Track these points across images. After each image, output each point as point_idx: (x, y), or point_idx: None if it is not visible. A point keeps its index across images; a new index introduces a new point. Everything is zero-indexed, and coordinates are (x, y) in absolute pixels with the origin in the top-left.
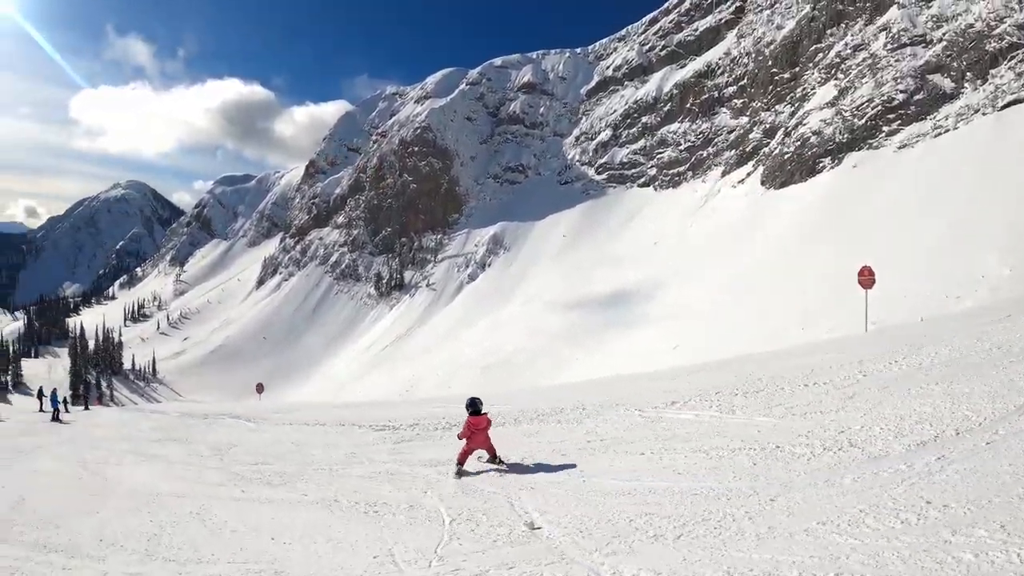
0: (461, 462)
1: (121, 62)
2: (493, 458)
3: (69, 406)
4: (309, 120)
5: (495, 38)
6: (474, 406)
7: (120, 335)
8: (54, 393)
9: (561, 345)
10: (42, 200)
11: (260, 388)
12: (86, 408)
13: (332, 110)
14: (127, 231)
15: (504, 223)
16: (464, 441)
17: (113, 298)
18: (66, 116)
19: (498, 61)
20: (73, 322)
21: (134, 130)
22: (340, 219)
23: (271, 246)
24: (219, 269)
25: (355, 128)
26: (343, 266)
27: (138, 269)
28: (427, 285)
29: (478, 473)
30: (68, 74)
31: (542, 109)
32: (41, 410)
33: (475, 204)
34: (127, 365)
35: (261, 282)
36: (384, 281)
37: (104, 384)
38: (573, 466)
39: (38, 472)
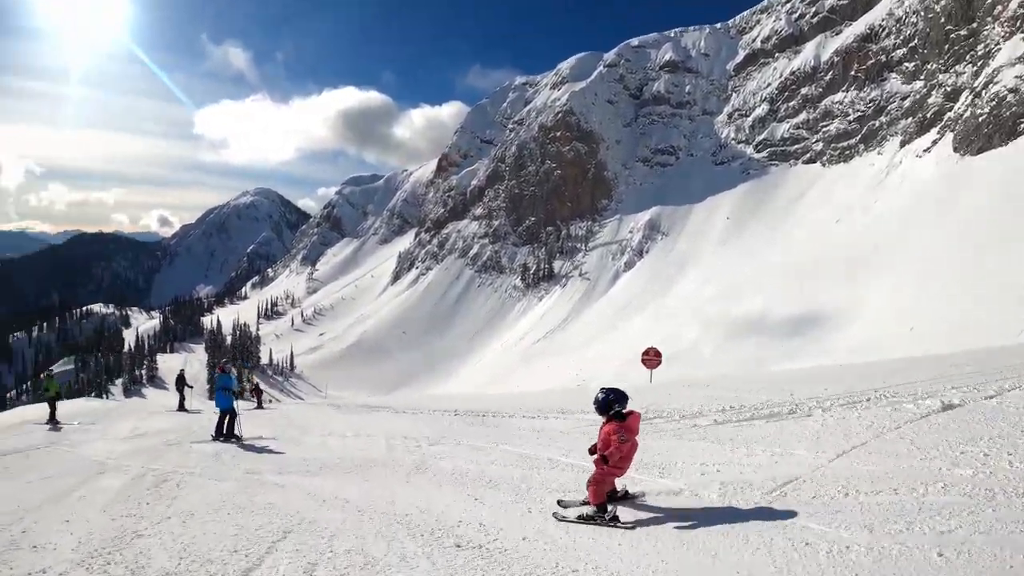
0: (601, 498)
1: (220, 73)
2: (614, 491)
3: (261, 396)
4: (426, 122)
5: (618, 20)
6: (619, 402)
7: (257, 330)
8: (223, 376)
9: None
10: (173, 210)
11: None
12: (259, 407)
13: (449, 111)
14: (257, 235)
15: (659, 207)
16: (606, 462)
17: (245, 298)
18: (190, 132)
19: (635, 41)
20: (207, 320)
21: (256, 141)
22: (478, 211)
23: (404, 242)
24: (351, 267)
25: (486, 120)
26: (484, 258)
27: (269, 270)
28: (580, 275)
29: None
30: (177, 94)
31: (687, 88)
32: (182, 407)
33: (624, 189)
34: (264, 360)
35: (397, 277)
36: (531, 272)
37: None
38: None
39: None
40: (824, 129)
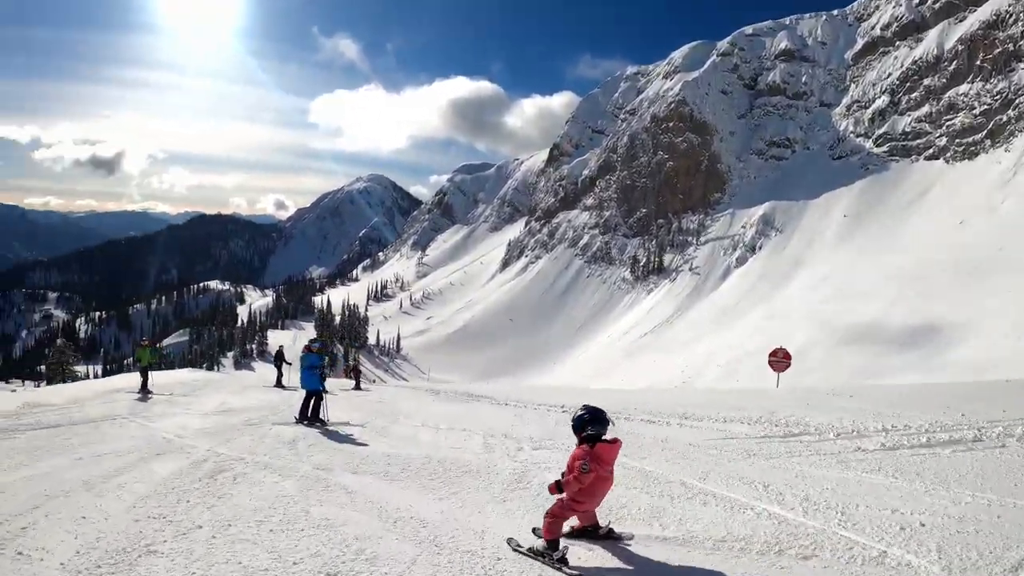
0: (554, 535)
1: (333, 63)
2: (595, 527)
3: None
4: (537, 112)
5: (731, 7)
6: (595, 423)
7: (365, 311)
8: (310, 355)
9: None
10: (289, 194)
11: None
12: (357, 387)
13: (560, 101)
14: (369, 220)
15: (773, 202)
16: (561, 491)
17: (356, 280)
18: (305, 120)
19: (748, 30)
20: (318, 300)
21: (369, 129)
22: (589, 200)
23: (514, 230)
24: (460, 253)
25: (598, 110)
26: (594, 249)
27: (380, 254)
28: (689, 269)
29: None
30: (278, 89)
31: (804, 77)
32: (279, 383)
33: (738, 182)
34: (371, 340)
35: (506, 264)
36: (641, 264)
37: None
38: None
39: None
40: (948, 123)
